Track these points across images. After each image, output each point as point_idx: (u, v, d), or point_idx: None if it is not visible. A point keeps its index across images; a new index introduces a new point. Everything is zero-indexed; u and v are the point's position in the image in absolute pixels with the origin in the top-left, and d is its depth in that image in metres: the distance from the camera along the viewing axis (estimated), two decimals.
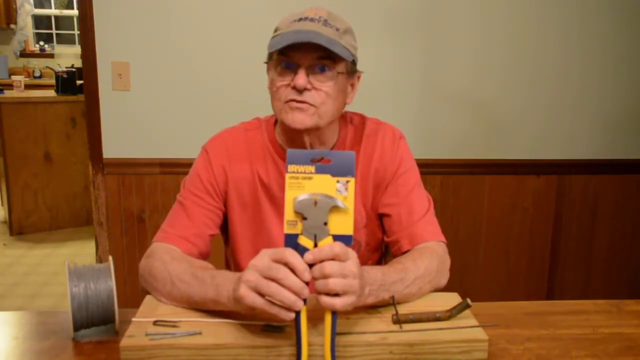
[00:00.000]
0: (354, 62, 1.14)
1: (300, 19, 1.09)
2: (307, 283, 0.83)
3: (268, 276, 0.83)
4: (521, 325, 1.05)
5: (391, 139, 1.23)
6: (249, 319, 0.94)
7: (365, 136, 1.23)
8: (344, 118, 1.24)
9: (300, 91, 1.07)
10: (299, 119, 1.09)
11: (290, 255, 0.83)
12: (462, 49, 2.33)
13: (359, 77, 1.18)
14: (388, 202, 1.22)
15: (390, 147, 1.22)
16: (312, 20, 1.08)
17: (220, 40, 2.22)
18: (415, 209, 1.20)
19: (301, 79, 1.06)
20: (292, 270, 0.82)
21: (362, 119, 1.26)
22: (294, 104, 1.08)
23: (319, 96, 1.09)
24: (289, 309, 0.82)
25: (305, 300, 0.83)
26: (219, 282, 0.95)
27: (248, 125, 1.26)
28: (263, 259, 0.85)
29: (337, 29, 1.09)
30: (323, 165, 0.87)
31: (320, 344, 0.87)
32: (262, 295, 0.83)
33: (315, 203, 0.86)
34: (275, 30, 1.12)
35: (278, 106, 1.11)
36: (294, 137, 1.16)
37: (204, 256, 1.18)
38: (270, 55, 1.13)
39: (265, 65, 1.16)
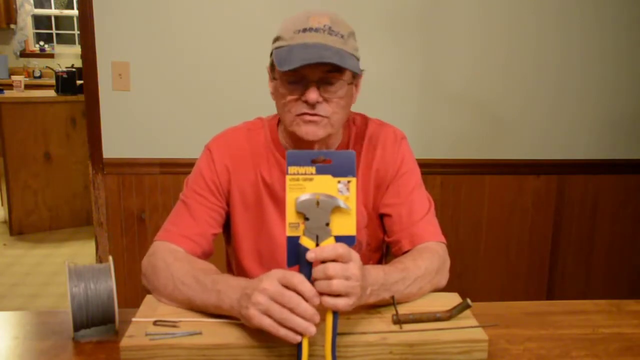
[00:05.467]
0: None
1: (305, 30, 1.06)
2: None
3: (280, 302, 0.83)
4: (521, 325, 1.05)
5: (393, 139, 1.23)
6: None
7: (367, 137, 1.23)
8: (347, 119, 1.24)
9: (312, 105, 1.07)
10: (312, 132, 1.09)
11: (300, 282, 0.83)
12: (462, 49, 2.33)
13: (361, 77, 1.18)
14: (389, 202, 1.22)
15: (392, 147, 1.22)
16: (316, 30, 1.06)
17: (220, 41, 2.22)
18: (416, 209, 1.20)
19: (313, 93, 1.06)
20: (301, 296, 0.82)
21: (365, 119, 1.26)
22: (307, 117, 1.08)
23: (330, 107, 1.09)
24: (298, 333, 0.83)
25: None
26: (220, 288, 0.95)
27: (251, 125, 1.26)
28: (273, 282, 0.84)
29: (342, 36, 1.08)
30: (324, 166, 0.87)
31: (320, 344, 0.87)
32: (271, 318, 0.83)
33: (318, 203, 0.85)
34: (277, 39, 1.10)
35: (289, 118, 1.11)
36: (301, 143, 1.15)
37: (206, 255, 1.18)
38: (272, 62, 1.12)
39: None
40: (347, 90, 1.10)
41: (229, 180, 1.21)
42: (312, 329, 0.82)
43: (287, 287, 0.83)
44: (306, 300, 0.82)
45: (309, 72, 1.06)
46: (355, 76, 1.14)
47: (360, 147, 1.22)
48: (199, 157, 1.25)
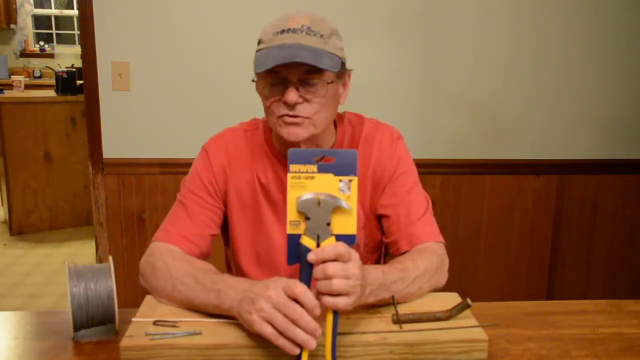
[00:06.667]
0: (342, 63, 1.12)
1: (283, 31, 1.06)
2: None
3: (283, 312, 0.83)
4: (521, 325, 1.05)
5: (389, 139, 1.22)
6: None
7: (363, 137, 1.22)
8: (341, 119, 1.24)
9: (292, 106, 1.07)
10: (294, 133, 1.09)
11: (302, 292, 0.83)
12: (462, 49, 2.33)
13: (349, 75, 1.17)
14: (386, 203, 1.21)
15: (388, 147, 1.22)
16: (294, 31, 1.05)
17: (220, 40, 2.22)
18: (414, 209, 1.19)
19: (292, 94, 1.05)
20: (302, 305, 0.83)
21: (360, 119, 1.25)
22: (288, 119, 1.08)
23: (311, 108, 1.08)
24: (297, 344, 0.83)
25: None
26: (220, 287, 0.95)
27: (247, 125, 1.26)
28: (279, 291, 0.84)
29: (322, 35, 1.06)
30: (325, 164, 0.87)
31: (321, 343, 0.86)
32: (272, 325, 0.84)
33: (319, 203, 0.85)
34: (259, 43, 1.10)
35: (272, 120, 1.11)
36: (288, 144, 1.15)
37: (204, 256, 1.18)
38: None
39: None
40: (329, 89, 1.09)
41: (225, 181, 1.21)
42: (313, 343, 0.82)
43: (289, 296, 0.83)
44: (306, 309, 0.83)
45: (288, 73, 1.05)
46: (341, 75, 1.12)
47: (356, 148, 1.21)
48: (195, 158, 1.25)
